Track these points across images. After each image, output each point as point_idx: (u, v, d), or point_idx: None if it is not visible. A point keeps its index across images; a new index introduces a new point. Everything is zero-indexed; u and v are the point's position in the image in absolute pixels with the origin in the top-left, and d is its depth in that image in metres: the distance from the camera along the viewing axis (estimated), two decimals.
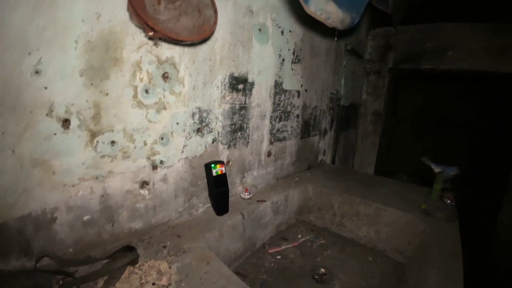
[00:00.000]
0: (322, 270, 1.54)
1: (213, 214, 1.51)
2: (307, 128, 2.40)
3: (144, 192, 1.23)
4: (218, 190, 1.47)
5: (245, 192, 1.73)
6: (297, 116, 2.21)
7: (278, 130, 2.02)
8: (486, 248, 3.05)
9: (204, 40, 1.30)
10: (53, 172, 0.95)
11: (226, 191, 1.51)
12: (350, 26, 1.68)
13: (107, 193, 1.10)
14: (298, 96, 2.17)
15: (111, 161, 1.09)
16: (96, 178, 1.06)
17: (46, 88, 0.88)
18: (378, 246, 1.78)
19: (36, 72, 0.86)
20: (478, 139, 4.33)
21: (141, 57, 1.11)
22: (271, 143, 1.98)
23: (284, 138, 2.11)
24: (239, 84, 1.60)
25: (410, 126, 4.93)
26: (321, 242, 1.81)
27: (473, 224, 3.50)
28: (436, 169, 1.88)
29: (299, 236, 1.86)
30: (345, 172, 2.64)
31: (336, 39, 2.45)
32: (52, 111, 0.91)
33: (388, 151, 4.21)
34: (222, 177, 1.48)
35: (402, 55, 3.34)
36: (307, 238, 1.84)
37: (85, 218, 1.06)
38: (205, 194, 1.54)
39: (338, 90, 2.87)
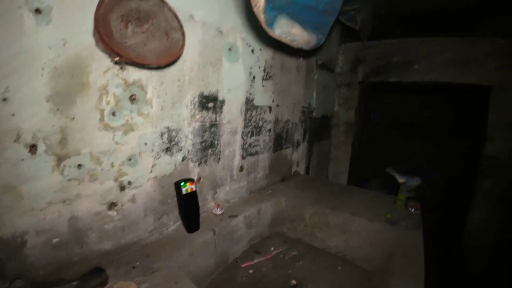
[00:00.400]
0: (293, 282, 1.57)
1: (184, 231, 1.52)
2: (279, 142, 2.46)
3: (112, 213, 1.24)
4: (189, 208, 1.49)
5: (217, 208, 1.75)
6: (269, 130, 2.27)
7: (250, 145, 2.06)
8: (458, 251, 3.17)
9: (171, 63, 1.33)
10: (22, 197, 0.96)
11: (197, 209, 1.53)
12: (316, 46, 1.74)
13: (75, 215, 1.11)
14: (270, 111, 2.23)
15: (78, 184, 1.10)
16: (64, 201, 1.07)
17: (13, 115, 0.90)
18: (347, 255, 1.84)
19: (4, 99, 0.87)
20: (451, 146, 4.51)
21: (107, 81, 1.13)
22: (243, 158, 2.01)
23: (257, 153, 2.16)
24: (209, 102, 1.64)
25: (386, 135, 5.08)
26: (293, 253, 1.85)
27: (447, 228, 3.65)
28: (400, 180, 1.98)
29: (272, 248, 1.89)
30: (317, 182, 2.71)
31: (301, 58, 2.54)
32: (20, 137, 0.92)
33: (363, 159, 4.32)
34: (192, 195, 1.49)
35: (371, 69, 3.49)
36: (280, 250, 1.87)
37: (54, 241, 1.06)
38: (176, 212, 1.54)
39: (310, 103, 2.96)
